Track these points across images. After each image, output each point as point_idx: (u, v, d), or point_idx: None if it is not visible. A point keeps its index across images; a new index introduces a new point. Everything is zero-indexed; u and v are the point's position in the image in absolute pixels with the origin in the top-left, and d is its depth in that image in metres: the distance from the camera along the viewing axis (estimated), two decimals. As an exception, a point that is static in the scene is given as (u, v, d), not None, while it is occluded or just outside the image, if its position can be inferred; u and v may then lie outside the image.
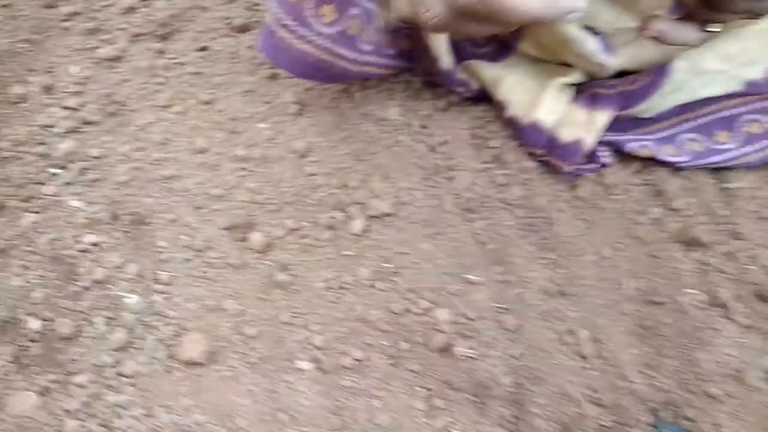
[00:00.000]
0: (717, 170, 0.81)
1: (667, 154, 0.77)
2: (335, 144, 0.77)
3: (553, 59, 0.76)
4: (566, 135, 0.74)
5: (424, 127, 0.81)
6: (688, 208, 0.77)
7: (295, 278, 0.65)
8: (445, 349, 0.61)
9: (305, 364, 0.58)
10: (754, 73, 0.71)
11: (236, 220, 0.68)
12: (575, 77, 0.75)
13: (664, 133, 0.79)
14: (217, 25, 0.89)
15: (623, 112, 0.76)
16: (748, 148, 0.76)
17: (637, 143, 0.77)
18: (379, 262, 0.67)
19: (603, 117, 0.74)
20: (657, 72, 0.72)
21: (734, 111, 0.75)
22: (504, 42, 0.76)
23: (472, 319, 0.64)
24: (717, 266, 0.72)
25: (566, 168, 0.75)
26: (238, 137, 0.76)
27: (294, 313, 0.62)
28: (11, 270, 0.62)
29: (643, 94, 0.74)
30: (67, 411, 0.52)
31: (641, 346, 0.65)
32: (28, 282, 0.61)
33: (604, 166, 0.77)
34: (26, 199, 0.67)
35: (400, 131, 0.79)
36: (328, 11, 0.61)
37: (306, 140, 0.76)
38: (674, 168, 0.80)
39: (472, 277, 0.68)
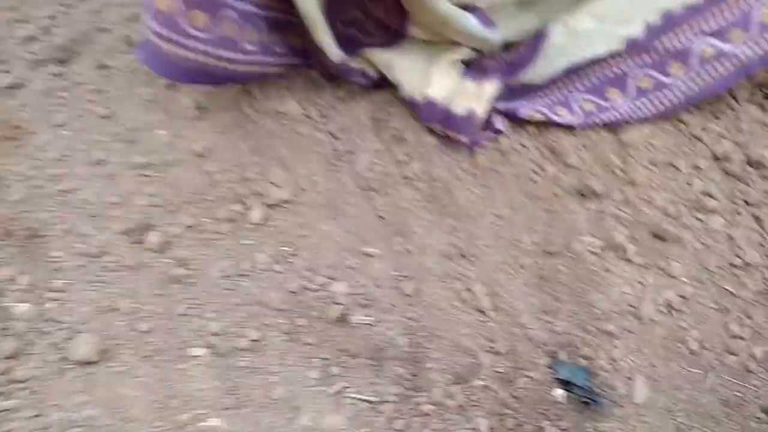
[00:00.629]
0: (612, 126, 0.83)
1: (561, 116, 0.79)
2: (234, 141, 0.78)
3: (441, 40, 0.78)
4: (459, 107, 0.76)
5: (323, 116, 0.82)
6: (583, 163, 0.79)
7: (192, 272, 0.65)
8: (342, 319, 0.61)
9: (200, 351, 0.58)
10: (633, 31, 0.73)
11: (133, 224, 0.69)
12: (463, 54, 0.77)
13: (557, 97, 0.81)
14: (117, 44, 0.90)
15: (513, 81, 0.78)
16: (639, 103, 0.79)
17: (530, 109, 0.79)
18: (277, 247, 0.68)
19: (491, 87, 0.76)
20: (536, 38, 0.75)
21: (623, 68, 0.78)
22: (394, 29, 0.79)
23: (369, 289, 0.64)
24: (613, 213, 0.73)
25: (463, 139, 0.77)
26: (136, 146, 0.77)
27: (190, 304, 0.62)
28: None
29: (526, 60, 0.76)
30: (-48, 421, 0.52)
31: (538, 295, 0.66)
32: None
33: (498, 132, 0.78)
34: None
35: (299, 123, 0.81)
36: (199, 17, 0.62)
37: (205, 141, 0.77)
38: (570, 128, 0.82)
39: (371, 250, 0.69)
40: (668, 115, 0.78)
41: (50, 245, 0.66)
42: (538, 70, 0.77)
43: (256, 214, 0.70)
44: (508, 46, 0.79)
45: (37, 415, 0.53)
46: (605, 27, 0.74)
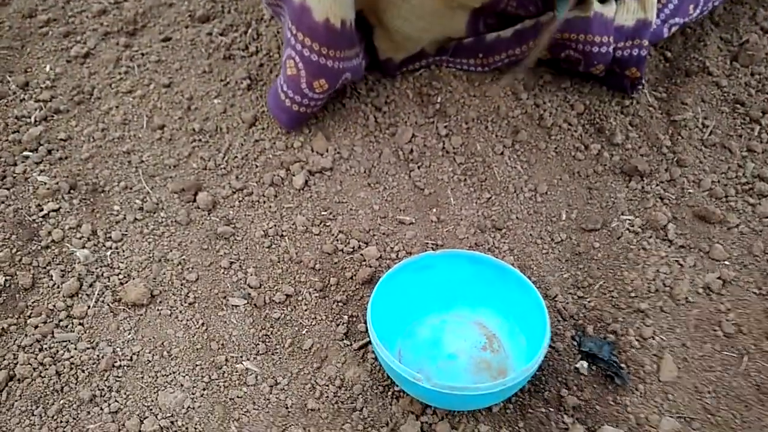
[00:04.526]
0: (664, 106, 0.81)
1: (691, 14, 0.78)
2: (283, 111, 0.81)
3: None
4: (629, 20, 0.74)
5: (370, 90, 0.84)
6: (630, 142, 0.77)
7: (236, 230, 0.69)
8: (371, 281, 0.63)
9: (238, 301, 0.62)
10: None
11: (186, 184, 0.73)
12: None
13: None
14: (180, 17, 0.96)
15: None
16: None
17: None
18: (316, 211, 0.71)
19: None
20: None
21: None
22: None
23: (400, 255, 0.66)
24: (656, 193, 0.72)
25: (641, 52, 0.74)
26: (193, 113, 0.82)
27: (233, 259, 0.66)
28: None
29: None
30: (20, 346, 0.58)
31: (571, 270, 0.65)
32: (-1, 248, 0.68)
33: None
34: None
35: (346, 96, 0.83)
36: (321, 84, 0.70)
37: (255, 111, 0.81)
38: (619, 106, 0.80)
39: (406, 218, 0.70)
40: None
41: (111, 200, 0.72)
42: None
43: (298, 179, 0.73)
44: None
45: (90, 348, 0.58)
46: None
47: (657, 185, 0.72)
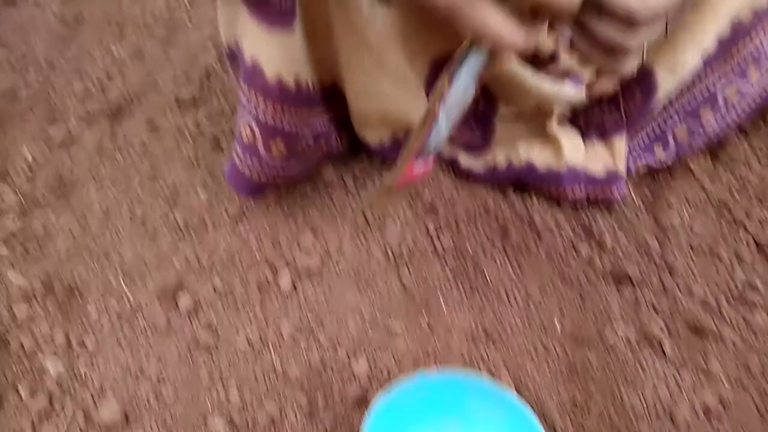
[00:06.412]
0: (652, 206, 0.82)
1: (659, 158, 0.80)
2: (270, 205, 0.80)
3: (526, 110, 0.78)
4: (598, 168, 0.77)
5: (358, 183, 0.83)
6: (619, 245, 0.77)
7: (219, 338, 0.66)
8: (361, 401, 0.60)
9: (219, 423, 0.59)
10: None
11: (168, 286, 0.70)
12: (555, 113, 0.77)
13: (654, 133, 0.80)
14: (167, 103, 0.95)
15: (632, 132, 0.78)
16: (729, 118, 0.77)
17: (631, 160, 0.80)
18: (302, 316, 0.68)
19: (620, 143, 0.76)
20: (645, 86, 0.72)
21: (709, 86, 0.74)
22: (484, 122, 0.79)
23: (391, 369, 0.64)
24: (649, 301, 0.71)
25: (616, 194, 0.77)
26: (177, 206, 0.80)
27: (214, 372, 0.63)
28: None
29: (643, 112, 0.74)
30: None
31: (568, 387, 0.63)
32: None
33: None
34: (-30, 277, 0.70)
35: (334, 189, 0.82)
36: (278, 145, 0.67)
37: (241, 204, 0.79)
38: (606, 206, 0.80)
39: (396, 326, 0.68)
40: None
41: (87, 303, 0.68)
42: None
43: (284, 281, 0.71)
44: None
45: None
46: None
47: (649, 293, 0.71)
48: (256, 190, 0.74)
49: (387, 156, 0.82)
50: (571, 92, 0.69)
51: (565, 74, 0.70)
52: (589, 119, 0.79)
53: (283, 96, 0.62)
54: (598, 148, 0.77)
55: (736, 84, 0.73)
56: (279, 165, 0.69)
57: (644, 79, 0.72)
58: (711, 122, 0.77)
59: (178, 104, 0.94)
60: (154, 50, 1.04)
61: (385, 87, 0.68)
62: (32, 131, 0.88)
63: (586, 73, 0.72)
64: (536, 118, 0.78)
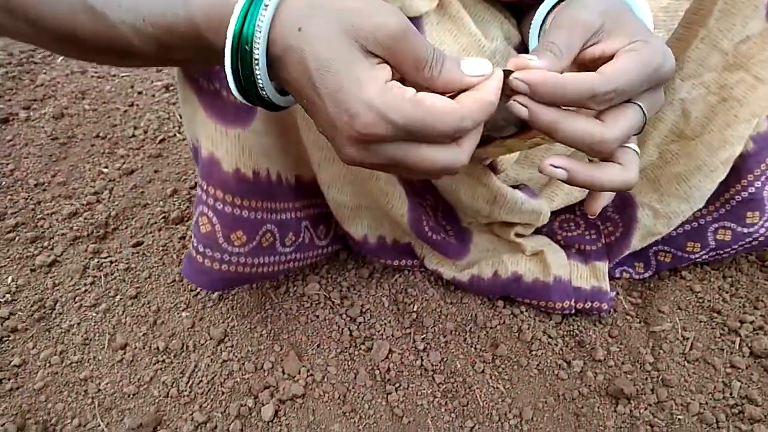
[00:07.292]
0: (641, 313, 0.81)
1: (639, 272, 0.83)
2: (254, 326, 0.78)
3: (490, 222, 0.79)
4: (584, 284, 0.78)
5: (344, 298, 0.83)
6: (612, 358, 0.75)
7: (197, 478, 0.63)
8: None
9: None
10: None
11: (146, 419, 0.67)
12: (519, 230, 0.79)
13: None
14: (154, 219, 0.96)
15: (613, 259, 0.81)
16: (715, 253, 0.78)
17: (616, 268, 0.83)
18: (287, 450, 0.65)
19: (603, 265, 0.79)
20: (627, 221, 0.77)
21: (700, 221, 0.77)
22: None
23: None
24: (646, 419, 0.68)
25: (604, 306, 0.77)
26: (159, 329, 0.78)
27: None
28: None
29: (624, 244, 0.79)
30: None
31: None
32: None
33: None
34: (-61, 417, 0.67)
35: (319, 306, 0.81)
36: (239, 236, 0.66)
37: (225, 325, 0.78)
38: (596, 317, 0.79)
39: (384, 457, 0.65)
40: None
41: (60, 443, 0.65)
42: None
43: (267, 410, 0.68)
44: (588, 224, 0.81)
45: None
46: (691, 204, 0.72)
47: (645, 409, 0.69)
48: (220, 283, 0.71)
49: (374, 253, 0.81)
50: (522, 197, 0.70)
51: (517, 186, 0.72)
52: (569, 242, 0.81)
53: (241, 187, 0.62)
54: (582, 269, 0.78)
55: (728, 225, 0.75)
56: (241, 255, 0.67)
57: (627, 215, 0.76)
58: (698, 252, 0.79)
59: (165, 221, 0.95)
60: (145, 166, 1.06)
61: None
62: (15, 254, 0.88)
63: (537, 187, 0.75)
64: (503, 229, 0.79)
